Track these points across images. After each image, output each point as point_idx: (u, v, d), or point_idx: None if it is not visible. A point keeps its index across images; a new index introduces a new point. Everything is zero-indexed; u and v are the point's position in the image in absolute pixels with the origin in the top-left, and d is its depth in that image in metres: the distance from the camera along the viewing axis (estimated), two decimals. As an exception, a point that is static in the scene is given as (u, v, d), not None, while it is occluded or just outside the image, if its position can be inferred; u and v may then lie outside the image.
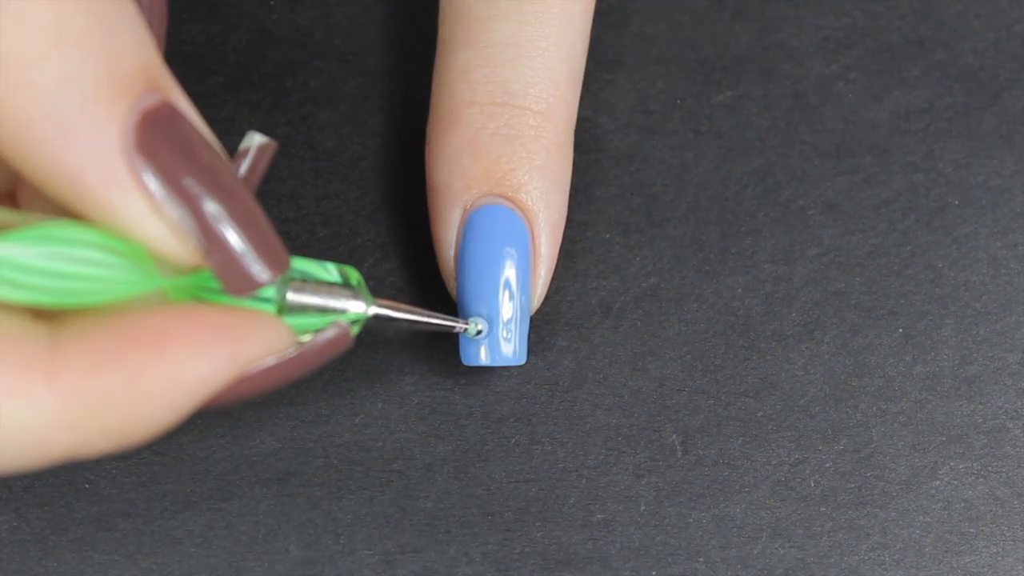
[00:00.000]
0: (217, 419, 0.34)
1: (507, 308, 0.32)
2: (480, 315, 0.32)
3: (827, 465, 0.34)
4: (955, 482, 0.34)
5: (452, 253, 0.33)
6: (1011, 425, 0.34)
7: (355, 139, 0.36)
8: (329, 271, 0.27)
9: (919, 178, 0.36)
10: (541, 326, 0.35)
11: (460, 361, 0.32)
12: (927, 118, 0.36)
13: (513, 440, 0.34)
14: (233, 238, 0.23)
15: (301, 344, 0.25)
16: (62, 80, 0.22)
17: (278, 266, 0.24)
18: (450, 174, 0.32)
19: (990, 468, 0.34)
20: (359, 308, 0.27)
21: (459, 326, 0.31)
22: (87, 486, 0.33)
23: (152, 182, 0.23)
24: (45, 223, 0.23)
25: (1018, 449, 0.34)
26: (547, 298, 0.35)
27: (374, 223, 0.35)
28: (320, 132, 0.36)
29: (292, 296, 0.26)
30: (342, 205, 0.35)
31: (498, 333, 0.32)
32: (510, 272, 0.32)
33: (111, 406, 0.23)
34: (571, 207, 0.34)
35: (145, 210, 0.23)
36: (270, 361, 0.25)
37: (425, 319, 0.30)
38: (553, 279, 0.35)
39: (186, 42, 0.36)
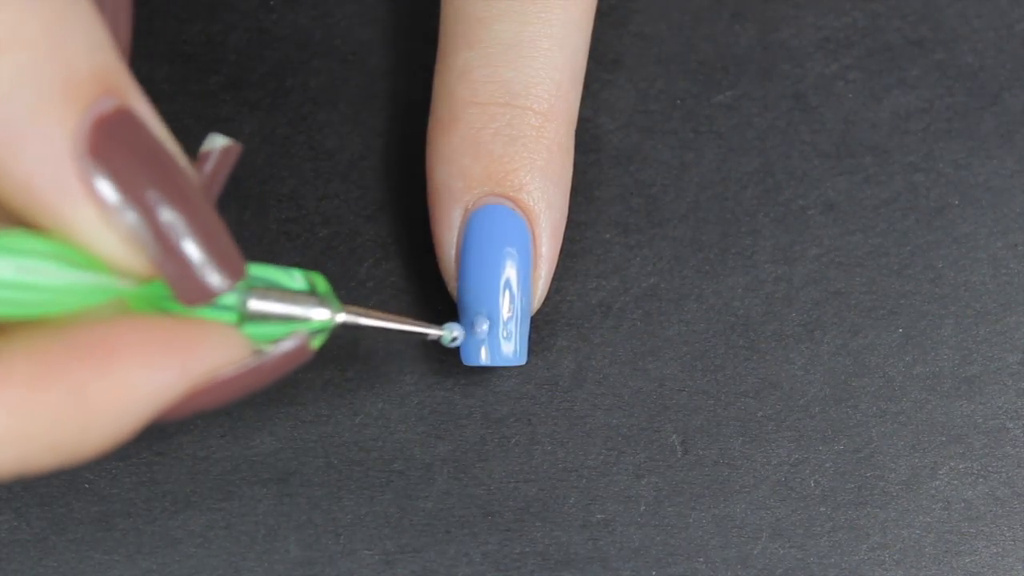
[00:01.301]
0: (217, 419, 0.34)
1: (507, 308, 0.32)
2: (480, 315, 0.32)
3: (827, 465, 0.34)
4: (955, 482, 0.34)
5: (453, 253, 0.33)
6: (1011, 425, 0.34)
7: (355, 139, 0.36)
8: (295, 278, 0.26)
9: (919, 178, 0.36)
10: (541, 326, 0.35)
11: (460, 361, 0.32)
12: (927, 118, 0.36)
13: (513, 440, 0.34)
14: (188, 246, 0.23)
15: (259, 355, 0.25)
16: (11, 84, 0.21)
17: (233, 274, 0.23)
18: (450, 174, 0.32)
19: (990, 468, 0.34)
20: (323, 316, 0.26)
21: (433, 333, 0.31)
22: (87, 486, 0.33)
23: (105, 189, 0.22)
24: None
25: (1018, 449, 0.34)
26: (547, 298, 0.35)
27: (374, 223, 0.35)
28: (320, 132, 0.36)
29: (254, 304, 0.25)
30: (342, 205, 0.35)
31: (498, 333, 0.32)
32: (511, 272, 0.32)
33: (58, 421, 0.22)
34: (571, 207, 0.34)
35: (96, 219, 0.22)
36: (226, 373, 0.24)
37: (396, 326, 0.29)
38: (553, 279, 0.35)
39: (186, 42, 0.36)
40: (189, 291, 0.23)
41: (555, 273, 0.35)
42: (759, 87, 0.36)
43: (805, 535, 0.34)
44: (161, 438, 0.34)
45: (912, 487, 0.34)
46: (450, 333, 0.32)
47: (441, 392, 0.34)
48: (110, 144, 0.22)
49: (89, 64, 0.22)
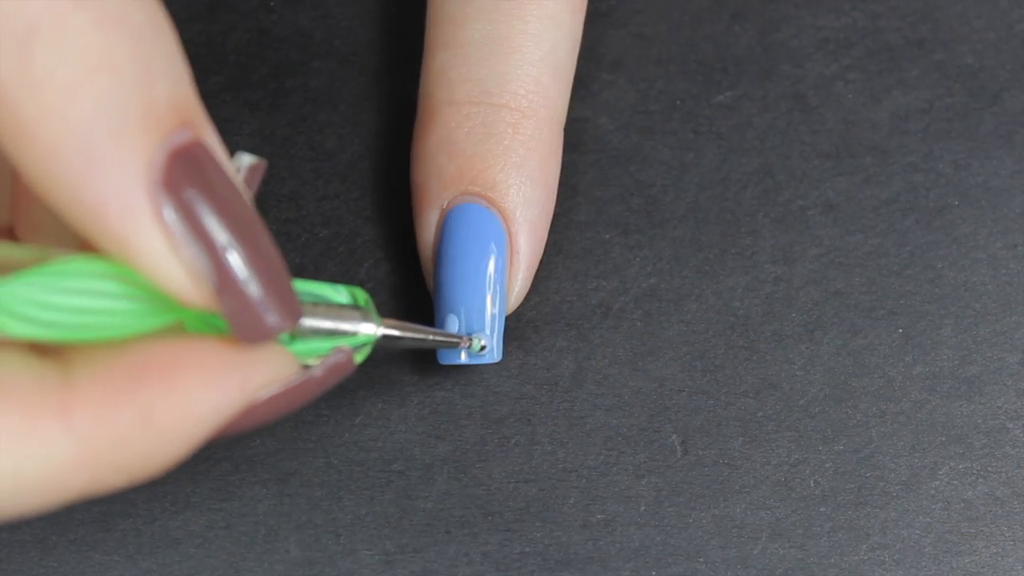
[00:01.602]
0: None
1: (480, 306, 0.32)
2: (455, 314, 0.32)
3: (827, 465, 0.34)
4: (955, 482, 0.34)
5: (430, 254, 0.33)
6: (1011, 425, 0.34)
7: (355, 140, 0.36)
8: (339, 293, 0.27)
9: (919, 178, 0.36)
10: (541, 326, 0.35)
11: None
12: (927, 118, 0.36)
13: (513, 440, 0.34)
14: (249, 285, 0.23)
15: (305, 371, 0.25)
16: (95, 108, 0.21)
17: (291, 316, 0.24)
18: (426, 175, 0.32)
19: (990, 468, 0.34)
20: (370, 330, 0.27)
21: (463, 342, 0.31)
22: (87, 486, 0.33)
23: (174, 221, 0.22)
24: (61, 259, 0.23)
25: (1018, 449, 0.34)
26: (547, 298, 0.35)
27: (374, 223, 0.35)
28: (320, 132, 0.36)
29: (306, 320, 0.26)
30: (342, 206, 0.35)
31: (474, 331, 0.32)
32: (485, 270, 0.32)
33: (125, 442, 0.23)
34: (571, 207, 0.34)
35: (163, 248, 0.22)
36: (275, 389, 0.24)
37: (431, 337, 0.30)
38: (553, 279, 0.35)
39: (186, 42, 0.36)
40: (247, 329, 0.23)
41: (555, 273, 0.35)
42: (759, 87, 0.36)
43: (805, 535, 0.34)
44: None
45: (912, 487, 0.34)
46: (479, 341, 0.32)
47: (441, 392, 0.34)
48: (183, 176, 0.22)
49: (170, 95, 0.22)
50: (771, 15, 0.37)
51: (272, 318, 0.23)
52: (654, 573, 0.33)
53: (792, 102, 0.36)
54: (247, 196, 0.24)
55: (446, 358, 0.32)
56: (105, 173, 0.21)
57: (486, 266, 0.32)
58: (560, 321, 0.35)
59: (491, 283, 0.32)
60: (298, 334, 0.26)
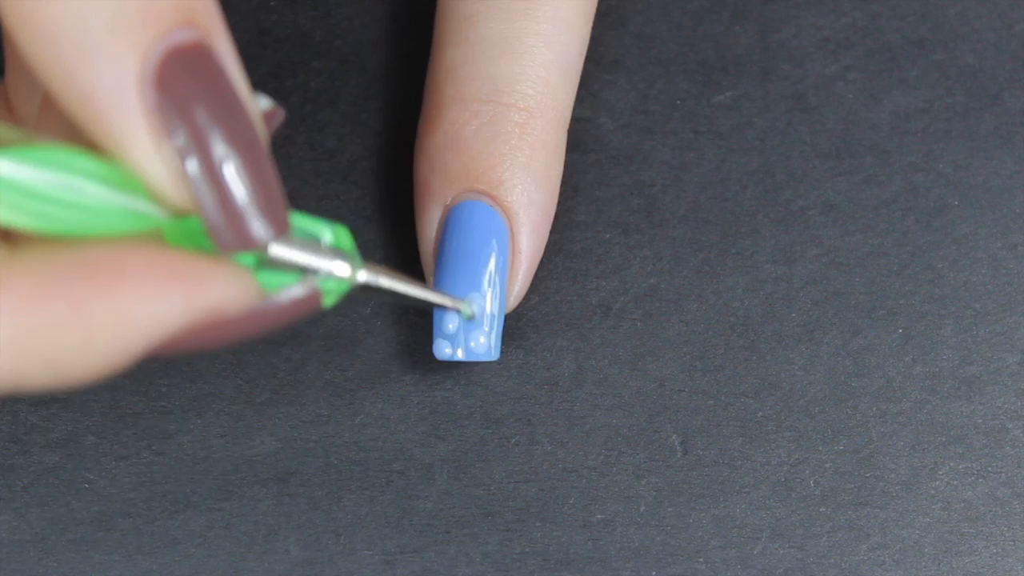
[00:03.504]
0: (217, 419, 0.34)
1: (480, 304, 0.32)
2: (456, 311, 0.32)
3: (827, 465, 0.34)
4: (955, 482, 0.34)
5: (431, 250, 0.33)
6: (1011, 425, 0.34)
7: (355, 139, 0.36)
8: (322, 230, 0.25)
9: (919, 178, 0.36)
10: (541, 326, 0.35)
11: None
12: (927, 118, 0.36)
13: (513, 440, 0.34)
14: (236, 190, 0.22)
15: (267, 299, 0.24)
16: None
17: (277, 227, 0.23)
18: (431, 170, 0.32)
19: (990, 468, 0.34)
20: (344, 272, 0.25)
21: (453, 304, 0.30)
22: (87, 486, 0.33)
23: (163, 119, 0.22)
24: (45, 145, 0.23)
25: (1018, 449, 0.34)
26: (547, 298, 0.35)
27: (374, 223, 0.35)
28: (320, 132, 0.36)
29: (275, 249, 0.24)
30: (342, 205, 0.35)
31: (471, 328, 0.32)
32: (487, 268, 0.32)
33: (54, 336, 0.22)
34: (571, 207, 0.34)
35: (148, 145, 0.22)
36: (230, 313, 0.23)
37: (416, 292, 0.28)
38: (553, 279, 0.35)
39: (186, 42, 0.36)
40: (228, 236, 0.23)
41: (555, 273, 0.35)
42: (759, 87, 0.36)
43: (805, 535, 0.34)
44: (161, 438, 0.34)
45: (912, 487, 0.34)
46: (468, 307, 0.31)
47: (441, 392, 0.34)
48: (178, 75, 0.22)
49: None
50: (771, 15, 0.37)
51: (256, 225, 0.23)
52: (654, 573, 0.33)
53: (792, 102, 0.36)
54: (252, 104, 0.23)
55: (442, 354, 0.32)
56: (97, 63, 0.21)
57: (488, 264, 0.32)
58: (560, 321, 0.35)
59: (492, 281, 0.32)
60: (265, 263, 0.24)
